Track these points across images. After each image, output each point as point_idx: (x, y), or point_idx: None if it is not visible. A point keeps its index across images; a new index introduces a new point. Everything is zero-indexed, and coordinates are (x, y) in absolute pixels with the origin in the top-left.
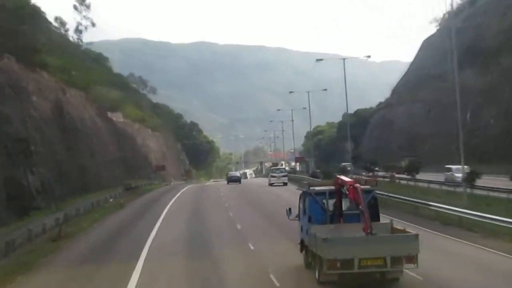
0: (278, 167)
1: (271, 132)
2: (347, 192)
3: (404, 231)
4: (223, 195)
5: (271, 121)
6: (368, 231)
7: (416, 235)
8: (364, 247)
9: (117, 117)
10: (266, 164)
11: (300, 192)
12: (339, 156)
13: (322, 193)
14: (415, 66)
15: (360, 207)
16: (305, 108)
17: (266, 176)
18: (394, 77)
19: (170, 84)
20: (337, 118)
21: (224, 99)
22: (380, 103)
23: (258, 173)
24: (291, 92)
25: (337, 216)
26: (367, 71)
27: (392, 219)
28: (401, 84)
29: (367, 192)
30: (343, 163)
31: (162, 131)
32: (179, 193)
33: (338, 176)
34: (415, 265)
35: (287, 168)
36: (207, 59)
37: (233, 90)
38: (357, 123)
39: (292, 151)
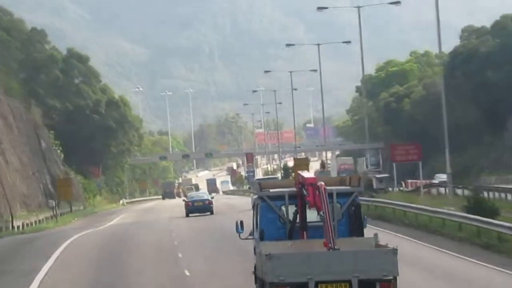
0: (269, 176)
1: (266, 80)
2: (307, 194)
3: (384, 246)
4: None
5: (288, 45)
6: (330, 245)
7: (394, 250)
8: (323, 267)
9: None
10: (258, 157)
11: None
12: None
13: (279, 197)
14: None
15: (321, 213)
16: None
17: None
18: None
19: None
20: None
21: (142, 3)
22: None
23: (238, 182)
24: None
25: (299, 229)
26: None
27: (377, 232)
28: None
29: (345, 194)
30: None
31: None
32: None
33: (300, 172)
34: None
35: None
36: None
37: None
38: (467, 62)
39: (310, 125)
